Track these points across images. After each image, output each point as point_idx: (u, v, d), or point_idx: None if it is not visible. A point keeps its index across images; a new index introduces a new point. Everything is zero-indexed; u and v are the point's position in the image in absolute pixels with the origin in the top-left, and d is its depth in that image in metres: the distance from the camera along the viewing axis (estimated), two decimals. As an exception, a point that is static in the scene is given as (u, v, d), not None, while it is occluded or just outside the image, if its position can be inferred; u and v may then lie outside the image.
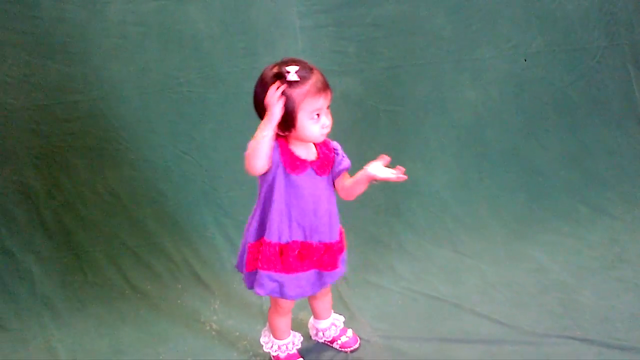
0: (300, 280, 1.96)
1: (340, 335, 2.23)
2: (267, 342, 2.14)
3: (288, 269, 1.93)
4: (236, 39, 2.81)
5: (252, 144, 1.79)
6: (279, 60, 1.84)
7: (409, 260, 2.74)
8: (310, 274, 1.99)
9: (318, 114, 1.82)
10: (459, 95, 3.16)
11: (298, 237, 1.93)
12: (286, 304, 2.04)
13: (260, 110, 1.82)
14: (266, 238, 1.92)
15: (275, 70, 1.81)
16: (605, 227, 2.95)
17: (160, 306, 2.47)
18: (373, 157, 2.94)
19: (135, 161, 2.74)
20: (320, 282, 2.02)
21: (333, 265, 2.00)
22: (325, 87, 1.81)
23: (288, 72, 1.78)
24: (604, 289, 2.51)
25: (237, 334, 2.30)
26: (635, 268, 2.64)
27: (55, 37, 2.60)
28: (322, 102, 1.81)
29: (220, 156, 2.79)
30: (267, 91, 1.77)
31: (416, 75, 3.09)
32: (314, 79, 1.79)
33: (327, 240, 1.97)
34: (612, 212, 3.04)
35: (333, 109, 2.90)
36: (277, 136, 1.85)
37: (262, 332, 2.17)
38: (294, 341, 2.15)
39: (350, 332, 2.24)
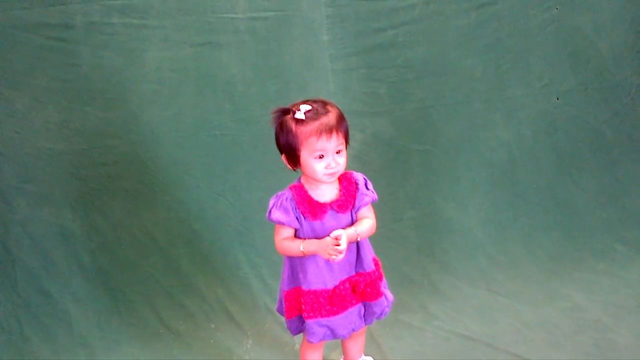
0: (349, 317, 1.98)
1: None
2: None
3: (338, 309, 1.95)
4: (269, 83, 2.86)
5: (283, 249, 1.93)
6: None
7: (442, 300, 2.72)
8: (357, 307, 2.01)
9: (321, 156, 1.85)
10: (491, 134, 3.16)
11: (342, 275, 1.95)
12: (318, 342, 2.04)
13: (279, 144, 1.90)
14: (304, 287, 1.94)
15: (289, 106, 1.87)
16: (643, 266, 2.90)
17: (193, 346, 2.49)
18: (404, 197, 3.02)
19: (170, 203, 2.78)
20: (370, 314, 2.04)
21: (377, 294, 2.00)
22: (331, 131, 1.83)
23: (298, 110, 1.84)
24: (641, 328, 2.47)
25: (269, 372, 2.31)
26: (673, 306, 2.59)
27: (94, 84, 2.68)
28: (324, 144, 1.83)
29: (254, 197, 2.82)
30: (284, 130, 1.86)
31: (447, 115, 3.11)
32: (322, 122, 1.83)
33: (365, 270, 1.98)
34: (650, 250, 3.00)
35: (365, 150, 2.96)
36: (293, 186, 1.92)
37: None
38: None
39: None
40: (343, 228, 1.89)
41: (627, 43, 3.32)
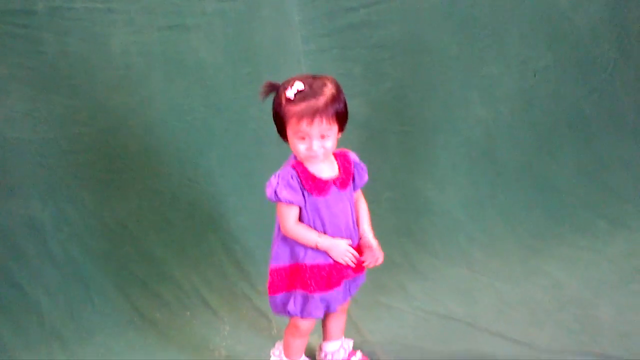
0: (341, 290, 1.98)
1: (349, 358, 2.18)
2: (276, 358, 2.12)
3: (337, 282, 1.94)
4: (240, 66, 2.81)
5: (296, 235, 1.91)
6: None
7: (422, 280, 2.69)
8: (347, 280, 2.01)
9: (303, 137, 1.82)
10: (468, 113, 3.13)
11: None
12: (308, 326, 2.03)
13: (277, 122, 1.87)
14: (308, 262, 1.92)
15: (284, 82, 1.86)
16: (624, 240, 2.90)
17: (169, 334, 2.44)
18: (382, 179, 2.98)
19: (142, 191, 2.72)
20: (354, 286, 2.06)
21: (363, 267, 2.02)
22: (314, 115, 1.79)
23: (290, 87, 1.82)
24: (623, 303, 2.46)
25: (247, 359, 2.26)
26: (655, 281, 2.57)
27: (59, 71, 2.61)
28: (305, 128, 1.80)
29: (228, 182, 2.77)
30: (276, 101, 1.85)
31: (424, 95, 3.07)
32: (308, 105, 1.79)
33: (355, 245, 1.99)
34: (631, 225, 2.99)
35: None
36: (295, 164, 1.89)
37: (272, 352, 2.15)
38: None
39: (359, 355, 2.20)
40: (346, 204, 1.93)
41: (604, 18, 3.30)
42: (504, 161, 3.14)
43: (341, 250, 1.91)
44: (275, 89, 1.87)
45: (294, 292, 1.96)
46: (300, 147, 1.83)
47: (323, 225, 1.91)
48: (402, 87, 3.05)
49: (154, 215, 2.73)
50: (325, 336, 2.18)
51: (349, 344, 2.21)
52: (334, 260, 1.92)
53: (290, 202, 1.87)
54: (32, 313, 2.48)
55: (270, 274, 1.98)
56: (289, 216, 1.90)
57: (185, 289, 2.62)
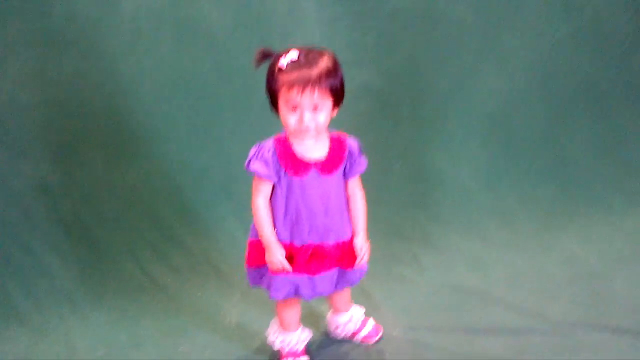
0: (319, 281, 1.90)
1: (360, 329, 2.14)
2: (273, 334, 2.07)
3: (308, 270, 1.88)
4: (251, 32, 2.77)
5: (257, 214, 1.86)
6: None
7: (434, 252, 2.66)
8: (333, 272, 1.93)
9: (294, 107, 1.75)
10: (483, 84, 3.09)
11: (313, 239, 1.86)
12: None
13: (269, 92, 1.81)
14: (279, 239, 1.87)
15: (279, 52, 1.79)
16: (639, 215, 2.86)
17: (180, 299, 2.42)
18: (395, 149, 2.94)
19: (152, 155, 2.70)
20: (343, 280, 1.97)
21: (352, 262, 1.93)
22: (306, 85, 1.71)
23: (283, 56, 1.76)
24: (637, 277, 2.43)
25: (257, 326, 2.23)
26: (669, 256, 2.55)
27: (68, 34, 2.59)
28: (296, 97, 1.72)
29: (239, 149, 2.69)
30: (269, 70, 1.78)
31: (438, 65, 3.03)
32: (300, 74, 1.72)
33: (342, 239, 1.90)
34: (646, 200, 2.95)
35: (352, 101, 2.87)
36: (278, 138, 1.83)
37: (271, 323, 2.09)
38: (300, 337, 2.05)
39: (370, 323, 2.16)
40: (329, 190, 1.85)
41: (623, -12, 3.25)
42: (518, 133, 3.09)
43: (272, 257, 1.85)
44: (269, 57, 1.80)
45: (262, 267, 1.93)
46: (291, 120, 1.76)
47: (297, 208, 1.83)
48: (415, 57, 3.01)
49: (164, 181, 2.72)
50: (332, 308, 2.15)
51: (360, 312, 2.16)
52: (300, 247, 1.86)
53: (259, 176, 1.82)
54: (43, 275, 2.47)
55: (248, 246, 1.95)
56: (257, 190, 1.85)
57: (195, 254, 2.61)
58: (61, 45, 2.59)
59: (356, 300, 2.20)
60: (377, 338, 2.14)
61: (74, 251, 2.55)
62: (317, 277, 1.89)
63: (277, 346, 2.05)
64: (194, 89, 2.74)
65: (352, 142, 1.90)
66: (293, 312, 2.02)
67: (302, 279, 1.88)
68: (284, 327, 2.03)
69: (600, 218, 2.85)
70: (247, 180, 2.71)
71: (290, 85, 1.72)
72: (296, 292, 1.91)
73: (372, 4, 2.95)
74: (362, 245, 1.93)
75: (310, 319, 2.21)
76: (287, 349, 2.04)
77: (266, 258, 1.86)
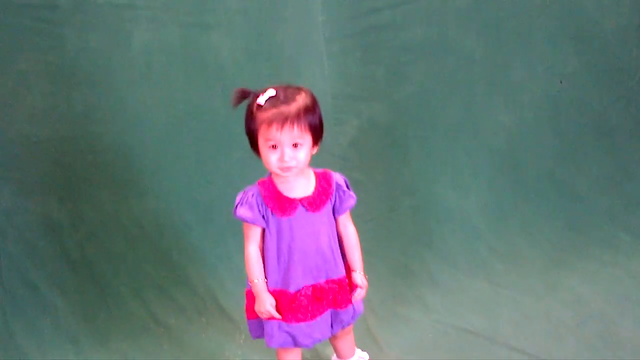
0: (316, 326, 1.87)
1: None
2: None
3: (305, 316, 1.85)
4: (261, 66, 2.77)
5: (248, 261, 1.85)
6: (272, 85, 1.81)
7: (441, 292, 2.64)
8: (327, 315, 1.90)
9: (274, 146, 1.74)
10: (492, 118, 3.08)
11: (307, 281, 1.84)
12: (287, 352, 1.96)
13: (248, 132, 1.81)
14: (269, 287, 1.85)
15: (257, 90, 1.78)
16: (648, 255, 2.84)
17: (184, 340, 2.41)
18: (402, 185, 2.93)
19: (160, 191, 2.70)
20: (337, 322, 1.93)
21: (347, 301, 1.90)
22: (285, 122, 1.71)
23: (262, 94, 1.75)
24: (646, 320, 2.40)
25: (262, 369, 2.23)
26: (679, 298, 2.53)
27: (80, 68, 2.58)
28: (275, 135, 1.72)
29: (247, 184, 2.68)
30: (248, 110, 1.79)
31: (447, 99, 3.02)
32: (279, 110, 1.71)
33: (335, 276, 1.88)
34: (655, 239, 2.93)
35: (361, 136, 2.88)
36: (262, 181, 1.84)
37: None
38: None
39: None
40: (319, 227, 1.83)
41: (633, 23, 3.23)
42: (526, 169, 3.09)
43: (262, 306, 1.84)
44: (247, 96, 1.80)
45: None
46: (272, 158, 1.75)
47: (289, 249, 1.82)
48: (424, 91, 3.00)
49: (172, 217, 2.70)
50: (336, 354, 2.13)
51: (364, 359, 2.15)
52: (295, 293, 1.84)
53: (246, 221, 1.81)
54: (47, 314, 2.47)
55: (246, 297, 1.93)
56: (247, 237, 1.85)
57: (201, 294, 2.59)
58: (73, 78, 2.59)
59: (361, 340, 2.20)
60: None
61: (78, 289, 2.55)
62: (314, 322, 1.86)
63: None
64: (203, 124, 2.73)
65: (338, 177, 1.89)
66: (294, 356, 2.00)
67: (300, 326, 1.86)
68: None
69: (608, 258, 2.82)
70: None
71: (270, 122, 1.71)
72: (295, 342, 1.89)
73: (382, 37, 2.93)
74: (361, 280, 1.91)
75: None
76: None
77: (255, 307, 1.86)
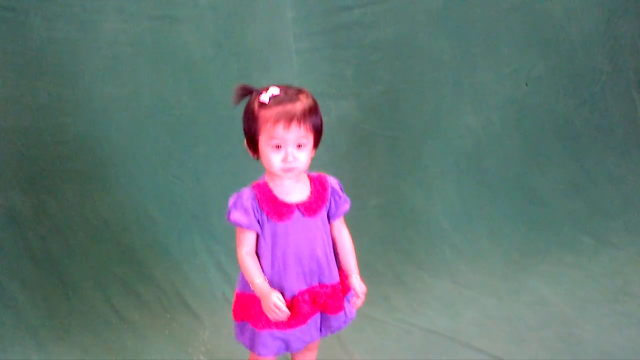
0: (307, 330, 1.82)
1: None
2: None
3: (298, 322, 1.79)
4: (230, 61, 2.75)
5: (244, 266, 1.77)
6: (273, 83, 1.74)
7: (405, 292, 2.66)
8: (316, 317, 1.84)
9: (278, 146, 1.69)
10: (458, 120, 3.11)
11: (302, 286, 1.79)
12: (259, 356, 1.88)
13: (248, 132, 1.74)
14: None
15: (259, 88, 1.73)
16: (609, 258, 2.89)
17: (148, 336, 2.38)
18: (369, 184, 2.94)
19: (125, 186, 2.66)
20: (327, 327, 1.88)
21: (339, 307, 1.85)
22: (291, 120, 1.65)
23: (264, 92, 1.69)
24: (607, 323, 2.45)
25: (226, 365, 2.22)
26: (639, 301, 2.58)
27: (46, 58, 2.54)
28: (281, 134, 1.66)
29: (213, 181, 2.72)
30: (248, 109, 1.72)
31: (415, 100, 3.04)
32: (284, 108, 1.66)
33: (328, 282, 1.83)
34: (617, 243, 2.99)
35: (329, 134, 2.86)
36: (256, 184, 1.76)
37: None
38: None
39: None
40: (315, 233, 1.78)
41: (599, 29, 3.29)
42: (492, 172, 3.12)
43: (267, 304, 1.71)
44: (250, 93, 1.74)
45: (246, 323, 1.84)
46: (275, 159, 1.69)
47: (283, 254, 1.75)
48: (393, 90, 3.01)
49: (136, 212, 2.67)
50: None
51: None
52: (292, 299, 1.77)
53: (241, 226, 1.74)
54: (8, 309, 2.42)
55: (234, 299, 1.86)
56: (241, 241, 1.76)
57: (165, 290, 2.57)
58: (38, 69, 2.55)
59: (325, 340, 2.19)
60: None
61: (41, 284, 2.50)
62: (305, 326, 1.81)
63: None
64: (170, 118, 2.70)
65: (333, 181, 1.85)
66: None
67: (294, 332, 1.80)
68: None
69: (570, 260, 2.87)
70: (221, 213, 2.67)
71: (276, 120, 1.65)
72: (287, 347, 1.84)
73: (351, 35, 2.94)
74: (360, 285, 1.85)
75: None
76: None
77: (263, 308, 1.74)
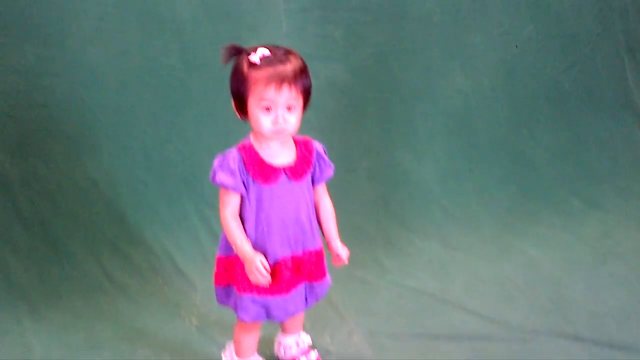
0: (290, 300, 1.82)
1: (299, 356, 2.05)
2: (227, 357, 1.99)
3: (280, 289, 1.79)
4: (219, 22, 2.72)
5: (227, 227, 1.75)
6: (262, 44, 1.72)
7: (396, 254, 2.67)
8: (302, 288, 1.84)
9: (268, 108, 1.66)
10: (448, 82, 3.10)
11: (285, 252, 1.78)
12: (253, 322, 1.88)
13: (237, 92, 1.71)
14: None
15: (247, 48, 1.70)
16: (598, 221, 2.92)
17: (139, 300, 2.39)
18: (359, 147, 2.94)
19: (115, 149, 2.65)
20: (312, 296, 1.89)
21: (323, 274, 1.87)
22: (282, 81, 1.63)
23: (253, 52, 1.66)
24: (596, 284, 2.48)
25: (218, 329, 2.22)
26: (628, 263, 2.61)
27: (32, 20, 2.50)
28: (273, 95, 1.64)
29: (203, 143, 2.70)
30: (237, 69, 1.69)
31: (405, 62, 3.02)
32: (275, 69, 1.64)
33: (312, 247, 1.83)
34: (605, 205, 3.02)
35: (318, 97, 2.84)
36: (242, 146, 1.74)
37: (222, 353, 2.01)
38: None
39: (313, 355, 2.06)
40: (299, 197, 1.77)
41: (588, -9, 3.27)
42: (481, 134, 3.12)
43: (251, 267, 1.70)
44: (238, 53, 1.71)
45: (232, 286, 1.84)
46: (265, 121, 1.66)
47: (267, 218, 1.74)
48: (383, 53, 2.98)
49: (126, 175, 2.66)
50: (282, 328, 2.07)
51: (304, 342, 2.09)
52: (275, 265, 1.76)
53: (227, 188, 1.72)
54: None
55: (216, 264, 1.85)
56: (224, 203, 1.75)
57: (157, 253, 2.57)
58: (24, 31, 2.51)
59: (318, 303, 2.21)
60: None
61: (32, 247, 2.50)
62: (289, 296, 1.81)
63: None
64: (159, 80, 2.68)
65: (318, 146, 1.83)
66: (251, 338, 1.94)
67: (275, 299, 1.80)
68: (239, 352, 1.96)
69: (559, 223, 2.90)
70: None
71: (268, 81, 1.63)
72: (268, 315, 1.83)
73: (341, -5, 2.92)
74: (342, 248, 1.85)
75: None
76: None
77: (246, 270, 1.73)
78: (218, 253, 1.85)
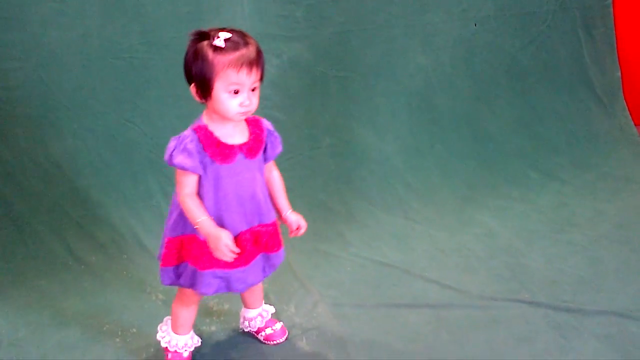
0: (249, 271, 1.85)
1: (265, 327, 2.09)
2: (162, 331, 1.99)
3: (240, 262, 1.81)
4: (180, 3, 2.72)
5: (186, 206, 1.75)
6: (222, 26, 1.71)
7: (359, 228, 2.72)
8: (259, 259, 1.88)
9: (236, 91, 1.68)
10: (409, 60, 3.13)
11: (243, 226, 1.81)
12: (196, 295, 1.89)
13: (188, 72, 1.73)
14: (202, 235, 1.77)
15: (207, 30, 1.69)
16: (555, 192, 3.00)
17: (105, 277, 2.41)
18: (322, 124, 2.97)
19: (77, 130, 2.65)
20: (270, 266, 1.92)
21: (278, 245, 1.90)
22: (252, 64, 1.66)
23: (217, 37, 1.66)
24: (553, 252, 2.54)
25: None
26: (583, 232, 2.68)
27: (-8, 2, 2.50)
28: (243, 78, 1.66)
29: (166, 123, 2.71)
30: (199, 54, 1.68)
31: (366, 40, 3.05)
32: (242, 53, 1.65)
33: (268, 220, 1.86)
34: (562, 177, 3.10)
35: (281, 76, 2.88)
36: (197, 127, 1.75)
37: (159, 327, 2.01)
38: (187, 342, 1.97)
39: (278, 325, 2.11)
40: (254, 174, 1.80)
41: (546, -32, 3.32)
42: (442, 110, 3.17)
43: (218, 244, 1.71)
44: (205, 38, 1.67)
45: (184, 264, 1.84)
46: (232, 104, 1.67)
47: (225, 196, 1.76)
48: (344, 32, 3.01)
49: (90, 156, 2.67)
50: (243, 304, 2.10)
51: (268, 312, 2.12)
52: (234, 238, 1.77)
53: (184, 169, 1.73)
54: (-37, 253, 2.43)
55: (165, 246, 1.85)
56: (182, 184, 1.75)
57: (121, 231, 2.59)
58: (-18, 14, 2.50)
59: (282, 276, 2.24)
60: (280, 340, 2.09)
61: (-5, 228, 2.51)
62: (247, 267, 1.84)
63: (163, 344, 1.99)
64: (121, 61, 2.68)
65: (267, 123, 1.86)
66: (189, 314, 1.95)
67: (235, 272, 1.83)
68: (175, 327, 1.96)
69: (518, 194, 2.97)
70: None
71: (239, 65, 1.64)
72: (228, 287, 1.86)
73: (301, -25, 2.94)
74: (297, 217, 1.90)
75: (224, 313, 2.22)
76: (172, 351, 1.97)
77: (211, 247, 1.73)
78: (167, 235, 1.85)
